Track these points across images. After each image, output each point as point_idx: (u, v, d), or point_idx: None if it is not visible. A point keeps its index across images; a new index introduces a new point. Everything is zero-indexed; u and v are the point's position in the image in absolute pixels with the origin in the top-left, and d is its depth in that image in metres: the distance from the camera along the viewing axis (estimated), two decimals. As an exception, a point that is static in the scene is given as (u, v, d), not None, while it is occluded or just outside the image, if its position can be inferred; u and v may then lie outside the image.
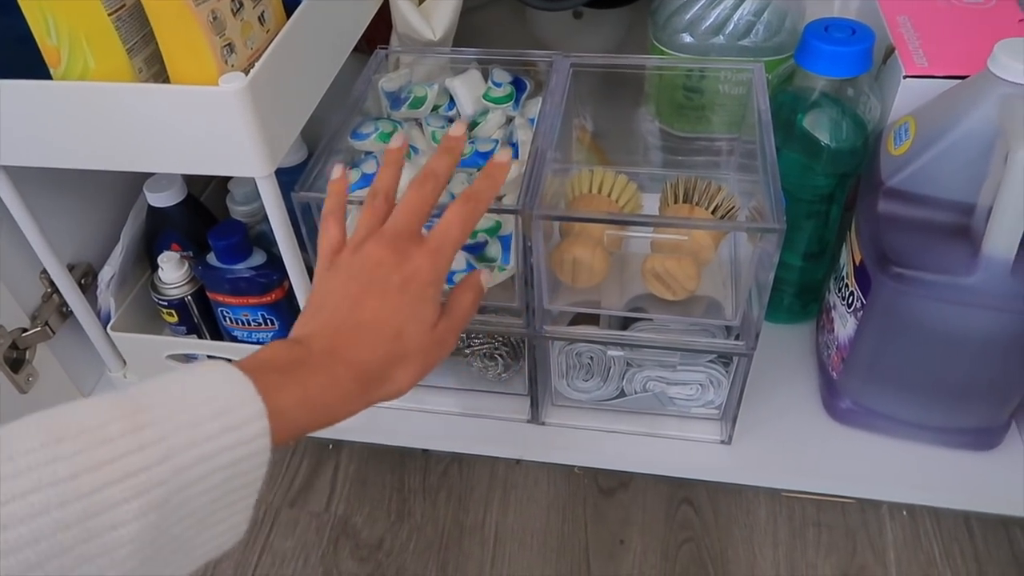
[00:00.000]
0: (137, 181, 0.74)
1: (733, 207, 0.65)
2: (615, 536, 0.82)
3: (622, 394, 0.73)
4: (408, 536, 0.82)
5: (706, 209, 0.64)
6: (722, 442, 0.72)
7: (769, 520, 0.82)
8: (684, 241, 0.61)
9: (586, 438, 0.74)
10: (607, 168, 0.69)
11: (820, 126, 0.66)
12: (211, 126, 0.54)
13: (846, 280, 0.66)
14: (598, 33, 1.02)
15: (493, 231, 0.62)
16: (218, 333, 0.75)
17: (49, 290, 0.75)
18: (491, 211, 0.62)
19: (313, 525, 0.80)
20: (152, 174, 0.73)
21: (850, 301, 0.65)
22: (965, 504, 0.72)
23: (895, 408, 0.69)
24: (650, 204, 0.71)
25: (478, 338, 0.72)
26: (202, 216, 0.76)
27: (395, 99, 0.72)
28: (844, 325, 0.67)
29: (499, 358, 0.73)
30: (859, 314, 0.64)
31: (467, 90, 0.72)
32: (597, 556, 0.80)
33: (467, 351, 0.73)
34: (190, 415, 0.34)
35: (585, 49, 1.01)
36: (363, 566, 0.77)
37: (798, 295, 0.79)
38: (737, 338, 0.64)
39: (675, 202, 0.66)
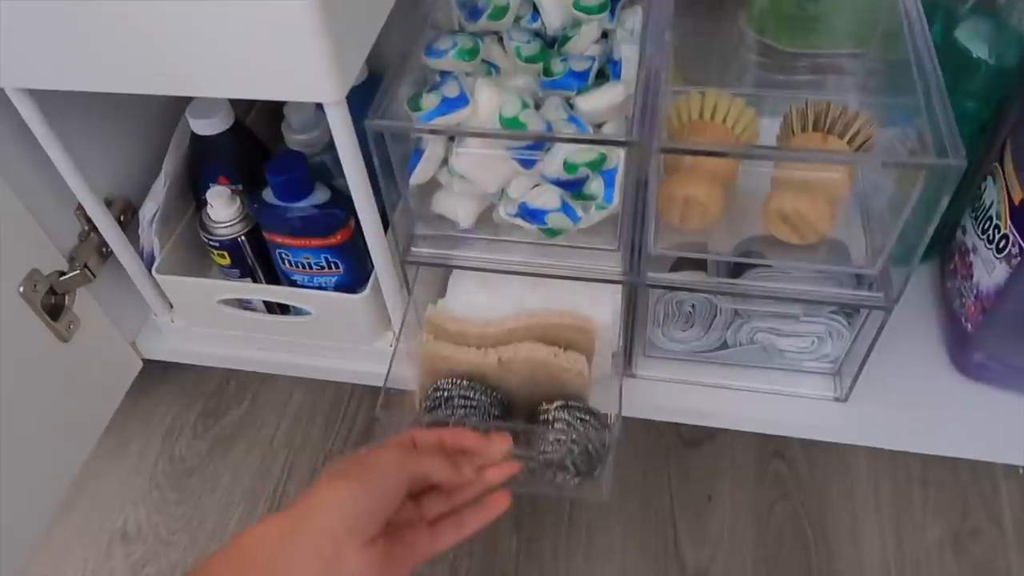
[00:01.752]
0: (179, 105, 0.65)
1: (871, 136, 0.56)
2: (702, 492, 0.77)
3: (724, 345, 0.65)
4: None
5: (840, 138, 0.55)
6: (836, 399, 0.65)
7: (870, 477, 0.76)
8: (822, 177, 0.52)
9: (681, 392, 0.67)
10: (720, 90, 0.60)
11: (977, 39, 0.56)
12: (274, 42, 0.46)
13: (996, 221, 0.58)
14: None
15: (596, 165, 0.53)
16: (275, 276, 0.68)
17: (86, 228, 0.68)
18: (596, 142, 0.54)
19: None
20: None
21: (1001, 245, 0.57)
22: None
23: (1040, 364, 0.61)
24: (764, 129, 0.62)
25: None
26: (252, 145, 0.68)
27: (471, 9, 0.62)
28: (989, 272, 0.59)
29: (570, 466, 0.59)
30: (1015, 260, 0.56)
31: (554, -3, 0.62)
32: (683, 514, 0.75)
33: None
34: None
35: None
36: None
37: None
38: (871, 288, 0.56)
39: (803, 130, 0.57)
